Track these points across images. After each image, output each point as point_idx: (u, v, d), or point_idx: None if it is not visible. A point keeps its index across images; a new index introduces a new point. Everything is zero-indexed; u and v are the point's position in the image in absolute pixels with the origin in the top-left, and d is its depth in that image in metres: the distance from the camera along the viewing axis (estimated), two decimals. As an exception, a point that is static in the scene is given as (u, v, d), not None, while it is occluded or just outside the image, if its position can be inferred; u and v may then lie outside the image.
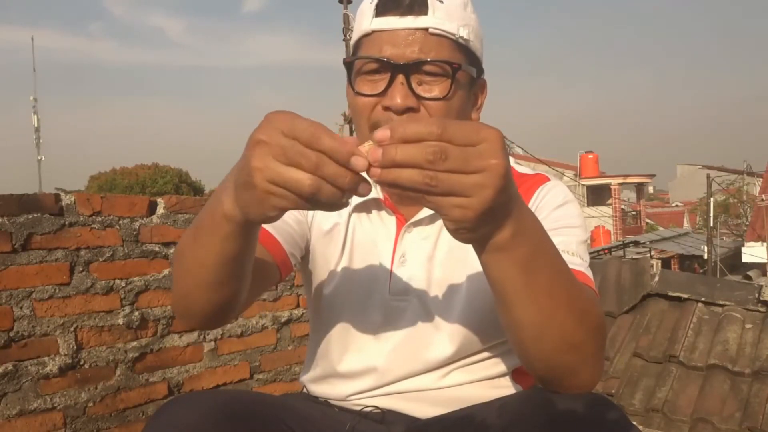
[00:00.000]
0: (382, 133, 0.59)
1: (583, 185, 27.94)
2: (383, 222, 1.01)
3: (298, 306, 2.42)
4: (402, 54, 0.88)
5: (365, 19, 0.91)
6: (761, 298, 3.15)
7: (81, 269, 1.82)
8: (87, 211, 1.84)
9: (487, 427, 0.82)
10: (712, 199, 20.43)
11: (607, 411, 0.75)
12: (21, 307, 1.71)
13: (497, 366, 0.99)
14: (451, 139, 0.59)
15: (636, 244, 17.11)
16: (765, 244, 17.70)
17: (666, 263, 16.97)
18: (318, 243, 1.03)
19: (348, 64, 0.94)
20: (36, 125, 22.51)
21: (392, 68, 0.88)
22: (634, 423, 0.79)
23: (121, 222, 1.92)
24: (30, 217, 1.73)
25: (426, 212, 0.98)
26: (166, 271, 2.02)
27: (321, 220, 1.03)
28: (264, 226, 0.93)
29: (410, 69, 0.88)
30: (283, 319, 2.37)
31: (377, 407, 0.97)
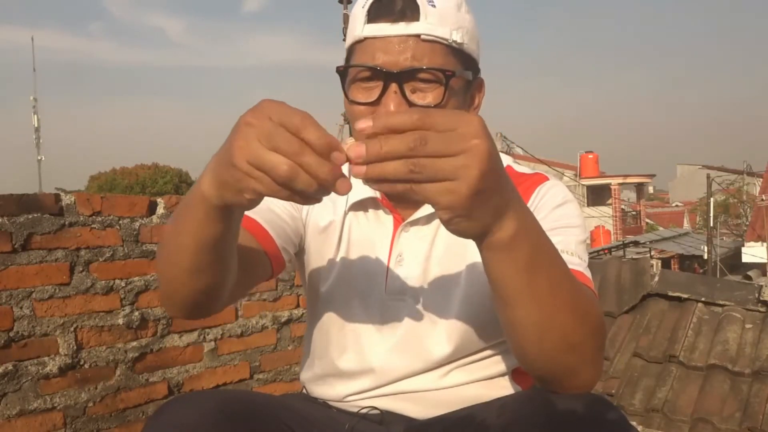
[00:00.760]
0: (365, 123, 0.60)
1: (583, 185, 27.93)
2: (380, 221, 1.01)
3: (298, 306, 2.42)
4: (395, 62, 0.87)
5: (357, 25, 0.91)
6: (761, 298, 3.15)
7: (81, 269, 1.82)
8: (87, 211, 1.84)
9: (487, 427, 0.82)
10: (712, 199, 20.42)
11: (606, 411, 0.75)
12: (21, 307, 1.71)
13: (496, 366, 0.99)
14: (431, 126, 0.59)
15: (636, 244, 17.11)
16: (765, 244, 17.69)
17: (666, 263, 16.97)
18: (313, 240, 1.03)
19: (342, 72, 0.93)
20: (36, 125, 22.52)
21: (385, 76, 0.87)
22: (634, 423, 0.79)
23: (121, 222, 1.92)
24: (30, 217, 1.73)
25: (423, 212, 0.97)
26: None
27: (316, 217, 1.02)
28: (256, 218, 0.94)
29: (403, 77, 0.87)
30: (283, 319, 2.37)
31: (376, 408, 0.97)
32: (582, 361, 0.75)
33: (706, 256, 17.67)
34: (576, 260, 0.87)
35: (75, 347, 1.80)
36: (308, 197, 0.62)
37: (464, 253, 0.94)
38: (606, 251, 14.38)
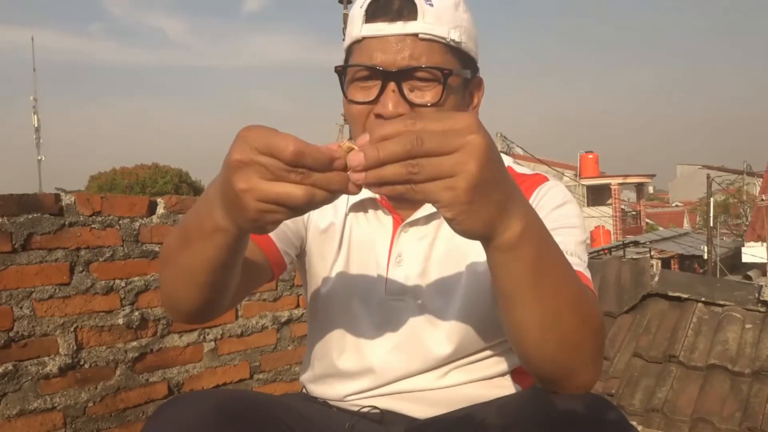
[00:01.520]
0: (362, 139, 0.61)
1: (583, 185, 27.93)
2: (380, 222, 1.01)
3: (298, 306, 2.42)
4: (392, 61, 0.88)
5: (356, 25, 0.91)
6: (761, 298, 3.15)
7: (81, 269, 1.83)
8: (87, 211, 1.84)
9: (486, 427, 0.82)
10: (712, 199, 20.42)
11: (606, 411, 0.75)
12: (21, 307, 1.71)
13: (496, 366, 0.99)
14: (425, 128, 0.60)
15: (636, 244, 17.12)
16: (765, 244, 17.70)
17: (666, 263, 16.97)
18: (314, 241, 1.03)
19: (340, 71, 0.94)
20: (36, 125, 22.55)
21: (383, 76, 0.88)
22: (634, 423, 0.79)
23: (121, 222, 1.92)
24: (30, 217, 1.73)
25: (422, 212, 0.97)
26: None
27: (317, 218, 1.03)
28: None
29: (401, 76, 0.88)
30: (283, 319, 2.37)
31: (376, 407, 0.97)
32: (582, 362, 0.75)
33: (706, 256, 17.67)
34: (576, 260, 0.87)
35: (75, 347, 1.80)
36: (326, 203, 0.64)
37: (464, 254, 0.95)
38: (606, 251, 14.38)
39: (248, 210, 0.63)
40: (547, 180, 1.00)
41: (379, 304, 0.98)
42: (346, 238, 1.01)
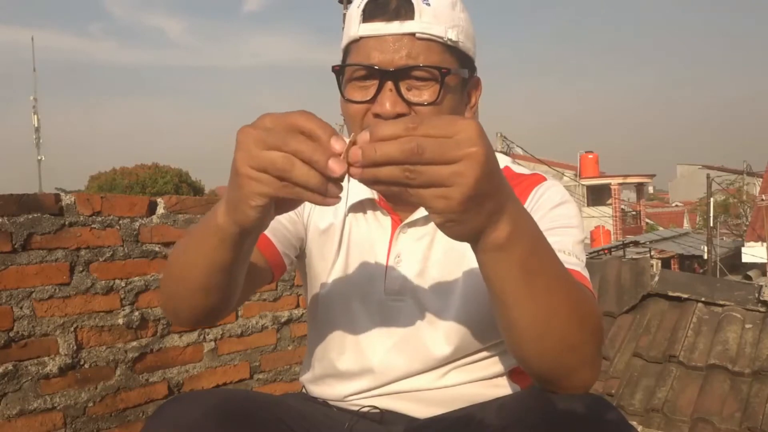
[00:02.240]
0: (363, 137, 0.60)
1: (583, 185, 27.92)
2: (378, 222, 1.01)
3: (298, 306, 2.42)
4: (390, 60, 0.88)
5: (353, 25, 0.91)
6: (761, 298, 3.14)
7: (81, 269, 1.83)
8: (87, 211, 1.84)
9: (486, 427, 0.82)
10: (712, 199, 20.41)
11: (605, 411, 0.75)
12: (21, 307, 1.71)
13: (495, 366, 0.99)
14: (426, 134, 0.59)
15: (636, 244, 17.10)
16: (765, 244, 17.69)
17: (666, 263, 16.96)
18: (314, 243, 1.03)
19: (337, 71, 0.94)
20: (36, 125, 22.53)
21: (381, 75, 0.88)
22: (634, 423, 0.79)
23: (121, 222, 1.92)
24: (30, 217, 1.73)
25: (421, 212, 0.97)
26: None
27: (317, 219, 1.03)
28: None
29: (399, 75, 0.88)
30: (283, 319, 2.37)
31: (376, 407, 0.97)
32: (581, 361, 0.75)
33: (706, 256, 17.66)
34: (573, 260, 0.87)
35: (75, 347, 1.80)
36: (311, 190, 0.62)
37: (463, 254, 0.94)
38: (606, 251, 14.38)
39: (239, 175, 0.64)
40: (545, 180, 1.00)
41: (379, 304, 0.98)
42: (346, 239, 1.01)
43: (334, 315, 1.02)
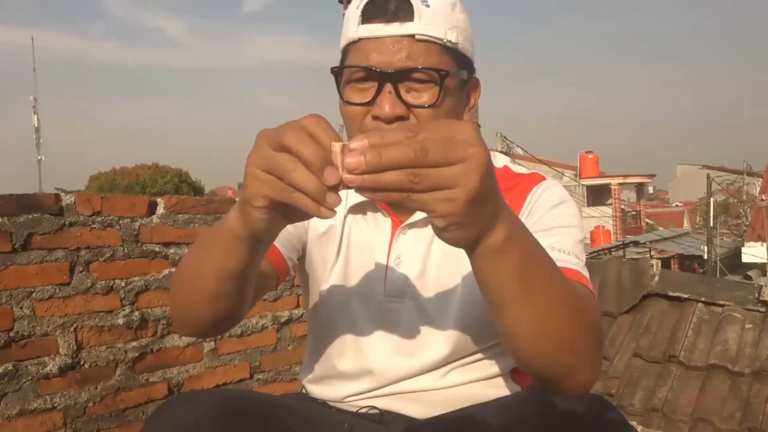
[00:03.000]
0: (360, 142, 0.59)
1: (583, 185, 27.92)
2: (378, 224, 1.01)
3: (298, 306, 2.42)
4: (389, 62, 0.87)
5: (351, 26, 0.91)
6: (761, 298, 3.14)
7: (81, 269, 1.83)
8: (87, 211, 1.84)
9: (486, 427, 0.82)
10: (712, 199, 20.41)
11: (605, 411, 0.75)
12: (21, 307, 1.71)
13: (495, 366, 0.99)
14: (429, 137, 0.59)
15: (636, 244, 17.09)
16: (765, 244, 17.68)
17: (666, 263, 16.96)
18: (314, 245, 1.03)
19: (336, 72, 0.93)
20: (36, 125, 22.55)
21: (380, 77, 0.87)
22: (634, 423, 0.79)
23: (121, 222, 1.92)
24: (30, 217, 1.73)
25: (421, 214, 0.97)
26: (166, 271, 2.02)
27: (317, 222, 1.03)
28: None
29: (398, 77, 0.87)
30: (283, 319, 2.37)
31: (375, 408, 0.97)
32: (580, 362, 0.75)
33: (706, 256, 17.66)
34: (573, 259, 0.87)
35: (75, 347, 1.80)
36: (309, 195, 0.61)
37: (462, 255, 0.94)
38: (606, 251, 14.37)
39: (247, 175, 0.65)
40: (544, 179, 1.00)
41: (378, 306, 0.98)
42: (345, 241, 1.01)
43: (334, 316, 1.01)
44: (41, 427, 1.73)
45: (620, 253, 14.05)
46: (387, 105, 0.87)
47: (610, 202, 28.29)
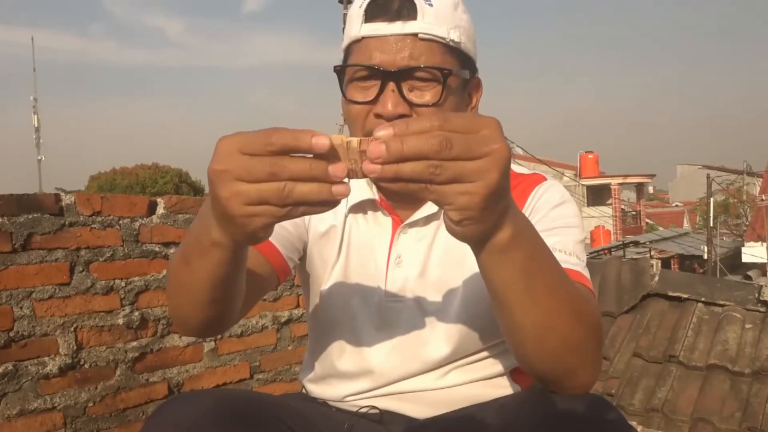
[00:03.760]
0: (385, 131, 0.58)
1: (583, 185, 27.92)
2: (379, 223, 1.01)
3: (298, 306, 2.42)
4: (392, 61, 0.87)
5: (354, 25, 0.91)
6: (761, 298, 3.14)
7: (81, 269, 1.83)
8: (87, 211, 1.84)
9: (486, 427, 0.82)
10: (712, 199, 20.41)
11: (604, 411, 0.75)
12: (21, 307, 1.71)
13: (495, 366, 0.99)
14: (453, 129, 0.59)
15: (636, 244, 17.09)
16: (765, 244, 17.68)
17: (666, 263, 16.97)
18: (315, 245, 1.03)
19: (339, 71, 0.93)
20: (36, 125, 22.55)
21: (383, 75, 0.88)
22: (633, 423, 0.79)
23: (121, 222, 1.92)
24: (30, 217, 1.73)
25: (421, 213, 0.97)
26: (165, 271, 2.02)
27: (317, 222, 1.03)
28: None
29: (401, 76, 0.87)
30: (283, 319, 2.37)
31: (375, 407, 0.97)
32: (581, 362, 0.75)
33: (706, 256, 17.65)
34: (574, 260, 0.87)
35: (75, 347, 1.80)
36: (320, 203, 0.61)
37: (463, 254, 0.94)
38: (606, 251, 14.37)
39: (236, 216, 0.62)
40: (545, 180, 1.00)
41: (379, 306, 0.98)
42: (346, 240, 1.01)
43: (335, 316, 1.01)
44: (41, 427, 1.73)
45: (620, 253, 14.05)
46: (390, 103, 0.87)
47: (610, 202, 28.29)
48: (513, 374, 1.00)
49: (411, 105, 0.88)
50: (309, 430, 0.89)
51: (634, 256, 7.97)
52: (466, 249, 0.70)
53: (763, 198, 19.97)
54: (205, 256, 0.72)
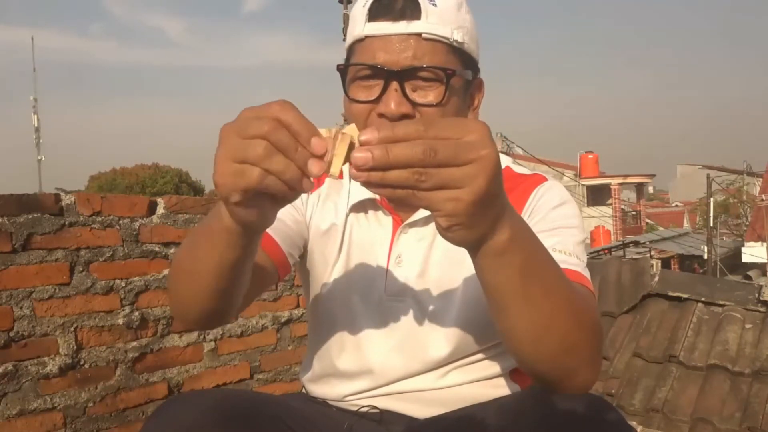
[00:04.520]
0: (370, 135, 0.58)
1: (583, 185, 27.92)
2: (379, 223, 1.01)
3: (298, 306, 2.42)
4: (395, 60, 0.87)
5: (358, 24, 0.91)
6: (761, 298, 3.15)
7: (81, 269, 1.83)
8: (87, 211, 1.84)
9: (486, 427, 0.82)
10: (712, 199, 20.40)
11: (604, 412, 0.75)
12: (21, 307, 1.71)
13: (495, 366, 0.99)
14: (438, 135, 0.58)
15: (636, 244, 17.10)
16: (765, 244, 17.67)
17: (666, 263, 16.96)
18: (316, 243, 1.03)
19: (342, 70, 0.93)
20: (36, 125, 22.54)
21: (386, 75, 0.88)
22: (633, 423, 0.79)
23: (121, 222, 1.92)
24: (30, 217, 1.73)
25: (422, 213, 0.97)
26: (166, 271, 2.02)
27: (318, 220, 1.03)
28: None
29: (404, 75, 0.87)
30: (283, 319, 2.37)
31: (375, 407, 0.97)
32: (580, 363, 0.75)
33: (706, 256, 17.64)
34: (574, 260, 0.87)
35: (75, 347, 1.80)
36: (287, 183, 0.61)
37: (463, 255, 0.94)
38: (606, 251, 14.37)
39: (215, 173, 0.63)
40: (546, 180, 1.00)
41: (379, 305, 0.98)
42: (347, 239, 1.01)
43: (335, 315, 1.02)
44: (41, 427, 1.73)
45: (620, 253, 14.05)
46: (393, 103, 0.87)
47: (610, 202, 28.29)
48: (512, 374, 1.00)
49: (414, 105, 0.88)
50: (309, 429, 0.89)
51: (634, 256, 7.97)
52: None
53: (763, 198, 19.96)
54: (214, 240, 0.73)
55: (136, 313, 1.94)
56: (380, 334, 0.98)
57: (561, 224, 0.92)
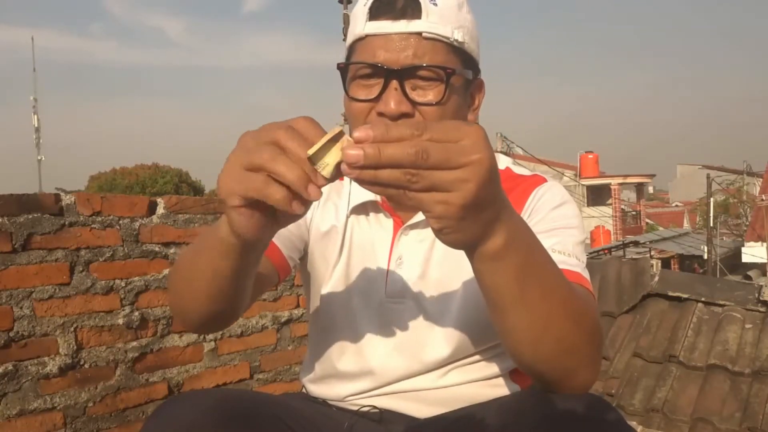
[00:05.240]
0: (364, 133, 0.58)
1: (583, 185, 27.92)
2: (380, 224, 1.01)
3: (298, 306, 2.42)
4: (396, 59, 0.87)
5: (359, 23, 0.91)
6: (761, 298, 3.15)
7: (81, 269, 1.83)
8: (87, 211, 1.84)
9: (485, 426, 0.82)
10: (712, 199, 20.40)
11: (604, 411, 0.75)
12: (21, 307, 1.71)
13: (495, 366, 0.99)
14: (431, 138, 0.58)
15: (636, 244, 17.10)
16: (765, 244, 17.67)
17: (666, 263, 16.96)
18: (316, 245, 1.03)
19: (342, 69, 0.93)
20: (36, 125, 22.55)
21: (386, 73, 0.88)
22: (633, 423, 0.79)
23: (121, 222, 1.92)
24: (30, 217, 1.73)
25: (422, 215, 0.97)
26: (166, 271, 2.02)
27: (319, 222, 1.03)
28: None
29: (404, 74, 0.87)
30: (283, 319, 2.37)
31: (375, 407, 0.97)
32: (579, 363, 0.75)
33: (706, 256, 17.64)
34: (574, 261, 0.87)
35: (75, 347, 1.80)
36: (282, 206, 0.62)
37: (463, 256, 0.94)
38: (606, 251, 14.37)
39: (222, 174, 0.65)
40: (546, 181, 1.00)
41: (379, 306, 0.98)
42: (348, 241, 1.01)
43: (335, 316, 1.02)
44: (41, 427, 1.73)
45: (620, 253, 14.05)
46: (392, 102, 0.87)
47: (610, 202, 28.29)
48: (512, 375, 1.00)
49: (414, 104, 0.88)
50: (309, 429, 0.89)
51: (634, 256, 7.97)
52: None
53: (763, 198, 19.96)
54: (213, 250, 0.75)
55: (136, 313, 1.94)
56: (381, 335, 0.98)
57: (560, 225, 0.92)
